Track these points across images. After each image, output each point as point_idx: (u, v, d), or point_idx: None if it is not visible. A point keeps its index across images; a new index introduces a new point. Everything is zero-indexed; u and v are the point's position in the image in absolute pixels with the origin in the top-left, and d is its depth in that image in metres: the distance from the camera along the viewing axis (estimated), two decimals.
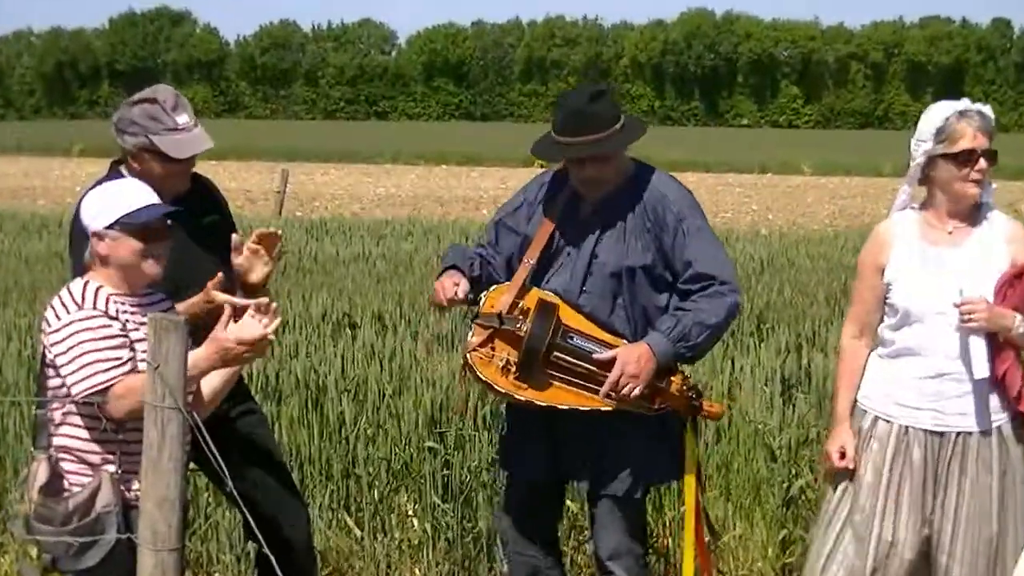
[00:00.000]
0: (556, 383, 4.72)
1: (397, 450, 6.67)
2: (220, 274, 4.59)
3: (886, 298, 4.80)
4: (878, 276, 4.81)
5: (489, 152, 58.43)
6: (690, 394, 4.86)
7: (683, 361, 4.85)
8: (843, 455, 4.85)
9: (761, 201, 35.46)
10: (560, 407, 4.74)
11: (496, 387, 4.74)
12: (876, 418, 4.83)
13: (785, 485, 6.59)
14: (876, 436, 4.82)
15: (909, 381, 4.74)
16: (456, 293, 4.75)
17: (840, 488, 4.89)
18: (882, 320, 4.83)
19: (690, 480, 4.93)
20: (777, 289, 13.26)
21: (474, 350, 4.75)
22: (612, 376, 4.67)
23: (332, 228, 20.81)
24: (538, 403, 4.72)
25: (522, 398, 4.73)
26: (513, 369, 4.71)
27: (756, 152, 61.36)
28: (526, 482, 5.05)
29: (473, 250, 5.05)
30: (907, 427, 4.76)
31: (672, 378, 4.82)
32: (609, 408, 4.74)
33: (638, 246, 4.79)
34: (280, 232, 4.73)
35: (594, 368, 4.71)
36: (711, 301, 4.74)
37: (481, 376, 4.73)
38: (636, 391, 4.70)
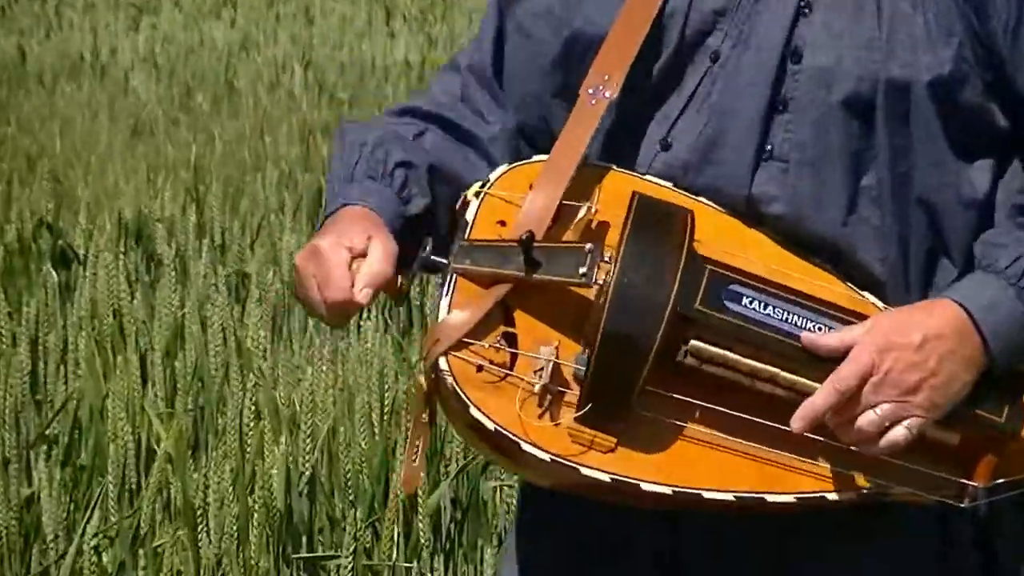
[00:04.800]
0: (694, 431, 1.63)
1: None
2: None
3: None
4: None
5: None
6: None
7: None
8: None
9: None
10: (704, 496, 1.62)
11: (520, 442, 1.59)
12: None
13: None
14: None
15: None
16: (363, 289, 1.61)
17: None
18: None
19: None
20: None
21: (459, 347, 1.60)
22: (842, 383, 1.59)
23: None
24: (645, 487, 1.60)
25: (594, 475, 1.60)
26: (574, 398, 1.61)
27: None
28: None
29: (411, 126, 1.78)
30: None
31: None
32: (841, 497, 1.64)
33: (920, 32, 1.66)
34: None
35: (803, 379, 1.61)
36: None
37: (480, 418, 1.59)
38: (912, 428, 1.60)
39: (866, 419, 1.58)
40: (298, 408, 3.68)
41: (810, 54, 1.65)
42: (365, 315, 4.39)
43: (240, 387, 3.86)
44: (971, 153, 1.68)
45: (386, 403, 3.72)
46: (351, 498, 3.53)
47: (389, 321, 4.79)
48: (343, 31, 11.99)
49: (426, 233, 1.67)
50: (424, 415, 1.62)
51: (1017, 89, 1.66)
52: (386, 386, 3.75)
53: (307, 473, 3.51)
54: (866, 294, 1.66)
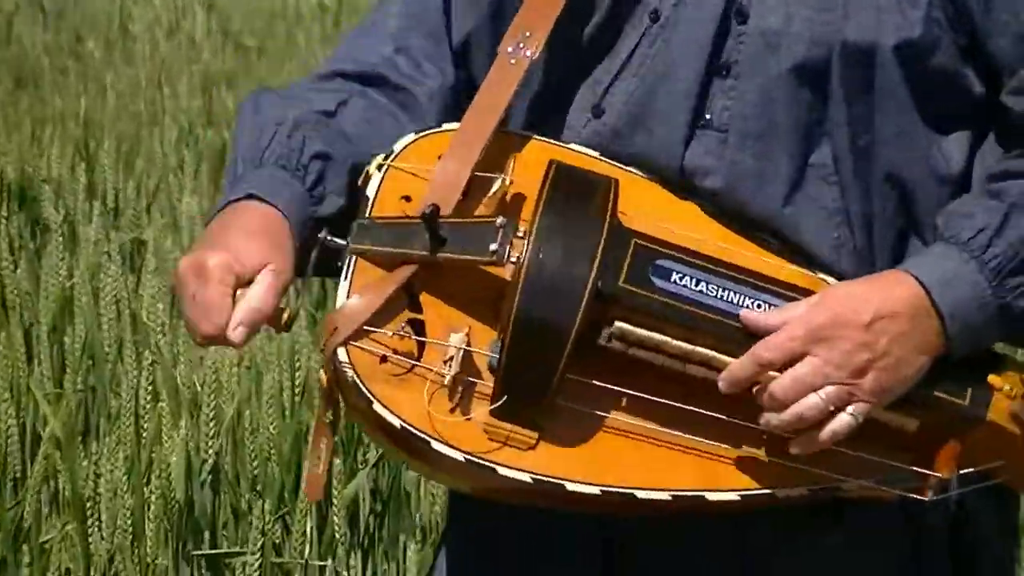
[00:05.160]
0: (623, 423, 1.51)
1: None
2: None
3: None
4: None
5: None
6: None
7: (1016, 340, 1.61)
8: None
9: None
10: (638, 495, 1.50)
11: (430, 441, 1.48)
12: None
13: None
14: None
15: None
16: (237, 327, 1.48)
17: None
18: None
19: None
20: None
21: (359, 336, 1.49)
22: (774, 351, 1.46)
23: None
24: (571, 488, 1.48)
25: (514, 476, 1.48)
26: (489, 389, 1.50)
27: None
28: None
29: (335, 95, 1.63)
30: None
31: (992, 376, 1.52)
32: (790, 493, 1.53)
33: None
34: None
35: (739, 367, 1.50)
36: None
37: (385, 414, 1.48)
38: (857, 415, 1.47)
39: (807, 404, 1.45)
40: (200, 389, 3.54)
41: (757, 14, 1.52)
42: None
43: (135, 365, 3.65)
44: (944, 124, 1.56)
45: (297, 383, 3.50)
46: (258, 488, 3.36)
47: (301, 291, 4.59)
48: None
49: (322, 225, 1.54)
50: (327, 415, 1.51)
51: (992, 52, 1.53)
52: (297, 364, 3.52)
53: (210, 461, 3.35)
54: (818, 273, 1.54)
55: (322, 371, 1.50)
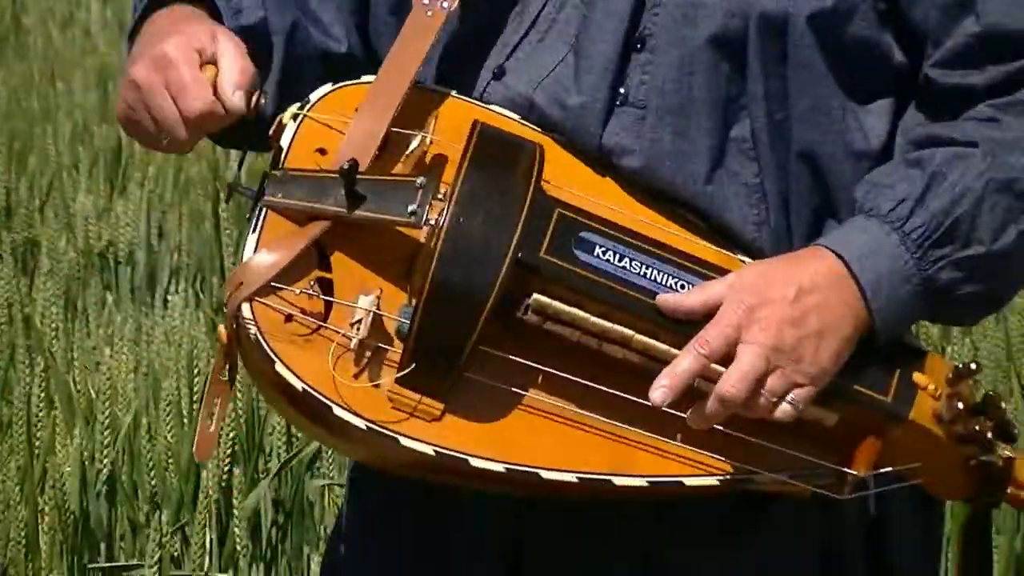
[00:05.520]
0: (535, 400, 1.46)
1: None
2: None
3: None
4: None
5: None
6: (979, 431, 1.47)
7: (942, 317, 1.59)
8: None
9: None
10: (543, 475, 1.45)
11: (332, 406, 1.42)
12: None
13: None
14: None
15: None
16: (235, 92, 1.43)
17: None
18: None
19: None
20: None
21: (265, 292, 1.43)
22: (707, 346, 1.42)
23: None
24: (475, 463, 1.43)
25: (416, 447, 1.43)
26: (397, 356, 1.44)
27: None
28: None
29: None
30: None
31: (918, 374, 1.48)
32: (700, 483, 1.48)
33: None
34: None
35: (660, 344, 1.45)
36: None
37: (287, 375, 1.42)
38: (798, 402, 1.43)
39: (743, 391, 1.40)
40: (95, 396, 3.45)
41: None
42: (172, 288, 4.18)
43: (28, 372, 3.60)
44: (864, 95, 1.51)
45: (196, 389, 3.41)
46: (156, 499, 3.28)
47: (201, 294, 4.58)
48: None
49: (262, 78, 1.49)
50: (223, 371, 1.45)
51: (913, 18, 1.49)
52: (196, 370, 3.44)
53: (105, 471, 3.27)
54: (739, 254, 1.49)
55: (221, 326, 1.44)
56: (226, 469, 3.20)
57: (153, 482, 3.26)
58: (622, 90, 1.48)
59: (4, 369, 3.70)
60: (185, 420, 3.38)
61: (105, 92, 7.41)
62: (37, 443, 3.29)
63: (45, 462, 3.21)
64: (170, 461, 3.26)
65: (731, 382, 1.39)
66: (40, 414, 3.37)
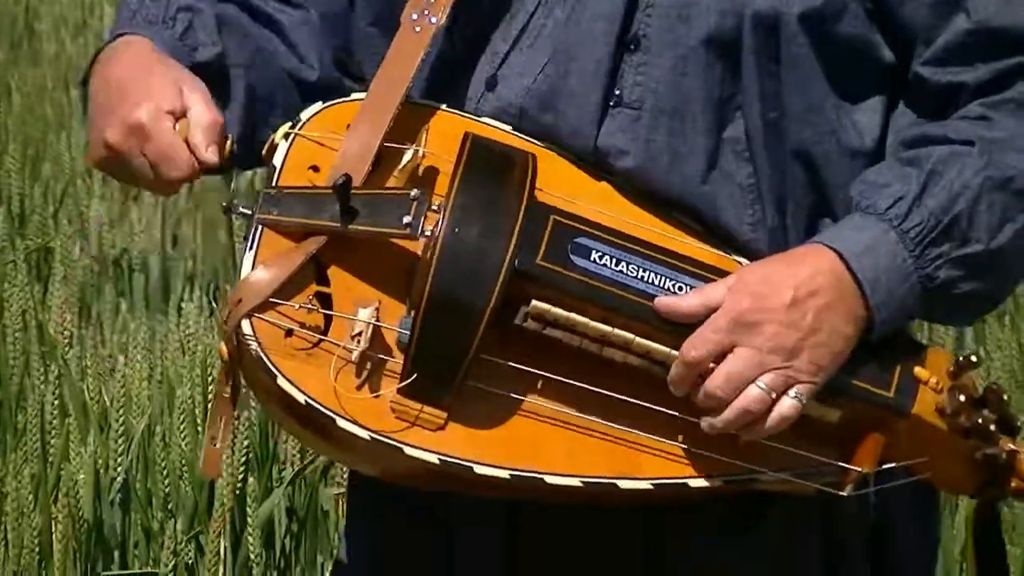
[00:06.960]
0: (536, 406, 1.47)
1: None
2: None
3: None
4: None
5: None
6: (981, 424, 1.46)
7: (939, 314, 1.58)
8: None
9: None
10: (547, 481, 1.46)
11: (335, 418, 1.43)
12: None
13: None
14: None
15: None
16: (208, 147, 1.47)
17: None
18: None
19: None
20: None
21: (264, 308, 1.44)
22: (700, 348, 1.43)
23: None
24: (480, 471, 1.45)
25: (421, 456, 1.44)
26: (398, 367, 1.45)
27: None
28: None
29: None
30: None
31: (919, 368, 1.48)
32: (704, 484, 1.48)
33: None
34: None
35: (660, 346, 1.46)
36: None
37: (290, 389, 1.43)
38: (801, 396, 1.43)
39: (750, 397, 1.41)
40: (109, 404, 3.45)
41: None
42: (186, 295, 4.15)
43: (42, 379, 3.59)
44: (855, 94, 1.53)
45: (210, 397, 3.27)
46: (170, 507, 3.28)
47: (215, 302, 4.55)
48: None
49: (225, 117, 1.51)
50: (226, 389, 1.48)
51: (901, 16, 1.50)
52: (210, 378, 3.42)
53: (119, 479, 3.27)
54: (733, 255, 1.50)
55: (222, 344, 1.45)
56: (240, 477, 3.19)
57: (167, 490, 3.26)
58: (616, 91, 1.49)
59: (18, 376, 3.68)
60: (199, 428, 3.38)
61: None
62: (51, 451, 3.29)
63: (59, 470, 3.20)
64: (184, 469, 3.26)
65: (715, 381, 1.41)
66: (54, 422, 3.37)
